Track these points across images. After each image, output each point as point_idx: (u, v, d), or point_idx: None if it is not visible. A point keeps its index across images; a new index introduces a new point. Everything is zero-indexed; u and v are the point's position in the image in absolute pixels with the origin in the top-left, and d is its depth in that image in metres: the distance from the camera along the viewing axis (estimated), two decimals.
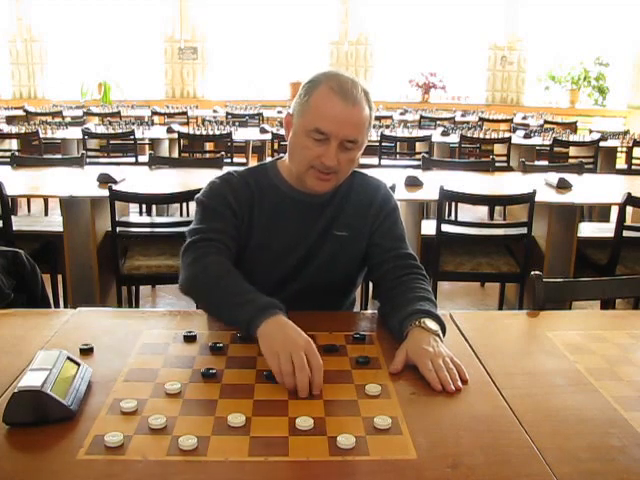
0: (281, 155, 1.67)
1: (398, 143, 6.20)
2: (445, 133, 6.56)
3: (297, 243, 1.59)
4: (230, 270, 1.44)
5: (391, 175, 3.62)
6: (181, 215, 5.26)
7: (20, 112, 8.19)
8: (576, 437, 1.06)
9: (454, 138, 6.31)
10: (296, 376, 1.16)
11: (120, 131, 5.85)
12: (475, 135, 6.06)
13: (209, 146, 6.74)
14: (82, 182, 3.64)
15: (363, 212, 1.62)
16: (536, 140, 6.31)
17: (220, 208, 1.54)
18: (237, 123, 6.86)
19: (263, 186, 1.60)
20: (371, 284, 2.08)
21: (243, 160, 6.35)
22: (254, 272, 1.58)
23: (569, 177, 3.73)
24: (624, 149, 6.38)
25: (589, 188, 3.89)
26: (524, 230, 3.14)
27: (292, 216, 1.59)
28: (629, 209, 3.36)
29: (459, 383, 1.22)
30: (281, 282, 1.60)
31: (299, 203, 1.59)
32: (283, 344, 1.20)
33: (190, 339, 1.39)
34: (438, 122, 7.95)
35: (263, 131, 6.44)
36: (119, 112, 8.13)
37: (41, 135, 5.73)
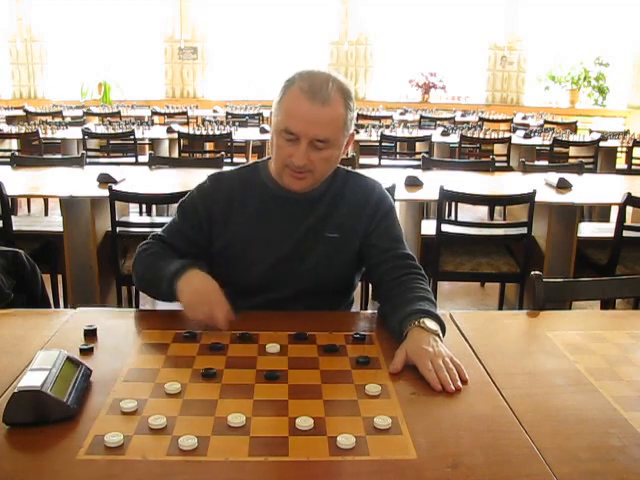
0: None
1: (398, 143, 6.20)
2: (445, 133, 6.56)
3: (283, 239, 1.60)
4: (160, 255, 1.58)
5: (391, 175, 3.62)
6: None
7: (20, 112, 8.19)
8: (576, 437, 1.06)
9: (454, 138, 6.31)
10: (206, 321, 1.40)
11: (120, 131, 5.85)
12: (475, 135, 6.06)
13: (209, 146, 6.74)
14: (82, 182, 3.64)
15: (357, 212, 1.62)
16: (536, 140, 6.31)
17: (185, 221, 1.64)
18: (237, 123, 6.85)
19: (251, 185, 1.63)
20: (371, 284, 2.08)
21: (243, 160, 6.34)
22: (242, 267, 1.61)
23: (569, 177, 3.73)
24: (624, 149, 6.38)
25: (589, 188, 3.88)
26: (524, 230, 3.14)
27: (278, 213, 1.61)
28: (629, 209, 3.36)
29: (459, 383, 1.22)
30: (271, 280, 1.61)
31: (286, 201, 1.60)
32: (191, 294, 1.43)
33: (190, 339, 1.39)
34: (438, 122, 7.94)
35: (263, 131, 6.44)
36: (119, 112, 8.12)
37: (41, 135, 5.73)
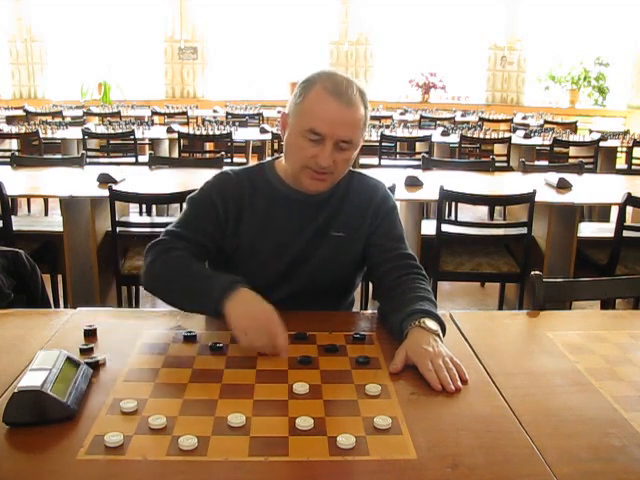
0: (280, 154, 1.67)
1: (398, 143, 6.20)
2: (445, 133, 6.56)
3: (291, 242, 1.59)
4: (191, 261, 1.48)
5: (391, 175, 3.62)
6: None
7: (20, 112, 8.18)
8: (576, 437, 1.06)
9: (454, 138, 6.31)
10: (266, 350, 1.31)
11: (120, 131, 5.85)
12: (475, 135, 6.06)
13: (209, 146, 6.74)
14: (82, 182, 3.64)
15: (361, 212, 1.62)
16: (536, 140, 6.31)
17: (203, 213, 1.57)
18: (237, 123, 6.85)
19: (258, 185, 1.61)
20: (371, 284, 2.09)
21: (243, 160, 6.34)
22: (249, 270, 1.58)
23: (569, 177, 3.73)
24: (624, 149, 6.38)
25: (589, 188, 3.88)
26: (524, 230, 3.14)
27: (287, 215, 1.59)
28: (629, 209, 3.36)
29: (459, 383, 1.22)
30: (277, 281, 1.60)
31: (295, 202, 1.59)
32: (249, 322, 1.31)
33: (190, 339, 1.39)
34: (438, 122, 7.94)
35: (263, 131, 6.44)
36: (119, 112, 8.12)
37: (41, 135, 5.73)
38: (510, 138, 5.94)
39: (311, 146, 1.46)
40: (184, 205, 1.63)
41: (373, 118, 7.91)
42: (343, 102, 1.44)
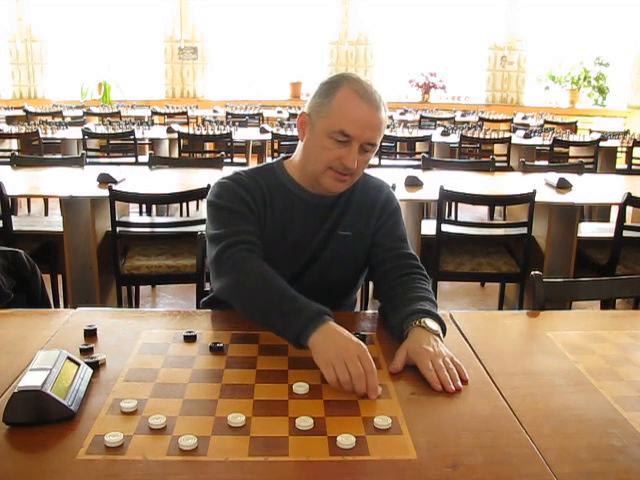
0: (287, 155, 1.67)
1: (398, 143, 6.21)
2: (445, 133, 6.56)
3: (305, 244, 1.59)
4: (272, 276, 1.41)
5: (391, 175, 3.62)
6: (181, 215, 5.27)
7: (20, 112, 8.18)
8: (576, 437, 1.06)
9: (454, 138, 6.31)
10: (354, 385, 1.17)
11: (120, 131, 5.85)
12: (475, 135, 6.06)
13: (209, 146, 6.74)
14: (82, 182, 3.64)
15: (366, 212, 1.63)
16: (536, 140, 6.31)
17: (239, 208, 1.52)
18: (237, 123, 6.85)
19: (272, 186, 1.59)
20: (371, 284, 2.09)
21: (243, 160, 6.34)
22: None
23: (569, 177, 3.73)
24: (624, 149, 6.38)
25: (589, 188, 3.88)
26: (524, 230, 3.14)
27: (300, 217, 1.59)
28: (629, 209, 3.36)
29: (459, 383, 1.22)
30: (288, 281, 1.59)
31: (308, 204, 1.59)
32: (336, 354, 1.20)
33: (190, 339, 1.39)
34: (438, 122, 7.95)
35: (263, 131, 6.44)
36: (119, 112, 8.12)
37: (41, 135, 5.73)
38: (510, 138, 5.94)
39: (337, 147, 1.46)
40: (209, 211, 1.56)
41: None
42: (373, 106, 1.45)
